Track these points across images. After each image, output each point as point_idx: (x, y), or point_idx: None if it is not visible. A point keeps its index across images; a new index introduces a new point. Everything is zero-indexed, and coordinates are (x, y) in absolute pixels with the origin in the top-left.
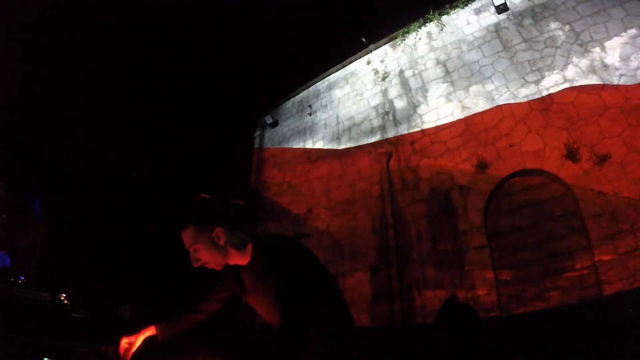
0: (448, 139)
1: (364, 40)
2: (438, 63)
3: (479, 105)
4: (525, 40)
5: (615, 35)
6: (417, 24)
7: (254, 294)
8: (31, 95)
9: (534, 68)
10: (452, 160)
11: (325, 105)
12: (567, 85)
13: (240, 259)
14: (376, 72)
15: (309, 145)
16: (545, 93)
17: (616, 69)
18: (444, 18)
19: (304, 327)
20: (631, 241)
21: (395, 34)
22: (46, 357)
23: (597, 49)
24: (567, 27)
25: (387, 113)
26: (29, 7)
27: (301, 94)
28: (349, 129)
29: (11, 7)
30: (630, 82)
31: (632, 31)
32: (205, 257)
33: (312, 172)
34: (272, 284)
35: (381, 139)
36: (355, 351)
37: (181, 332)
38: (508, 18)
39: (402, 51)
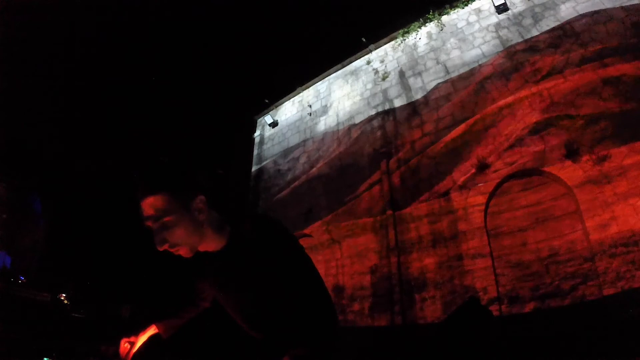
0: (448, 138)
1: (364, 40)
2: (438, 63)
3: (479, 105)
4: (525, 40)
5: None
6: (417, 24)
7: (224, 291)
8: (31, 95)
9: (534, 68)
10: (453, 160)
11: (325, 105)
12: (567, 85)
13: (213, 244)
14: (376, 72)
15: (309, 145)
16: (545, 93)
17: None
18: (444, 18)
19: (288, 341)
20: (631, 241)
21: (395, 34)
22: (46, 357)
23: (598, 49)
24: (567, 27)
25: (387, 113)
26: (29, 7)
27: (301, 94)
28: (349, 129)
29: (11, 7)
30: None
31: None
32: (179, 235)
33: (312, 172)
34: (256, 280)
35: (381, 138)
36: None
37: (185, 325)
38: (508, 18)
39: (402, 51)
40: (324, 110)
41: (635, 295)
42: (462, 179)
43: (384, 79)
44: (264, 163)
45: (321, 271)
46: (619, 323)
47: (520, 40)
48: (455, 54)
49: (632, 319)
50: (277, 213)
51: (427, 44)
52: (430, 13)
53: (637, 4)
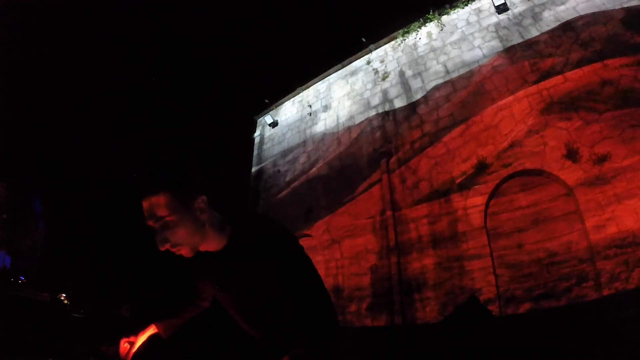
0: (448, 139)
1: (364, 40)
2: (438, 63)
3: (479, 105)
4: (525, 40)
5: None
6: (417, 24)
7: (225, 291)
8: (31, 95)
9: (534, 68)
10: (452, 160)
11: (325, 105)
12: (567, 85)
13: (214, 244)
14: (376, 72)
15: (309, 145)
16: (545, 93)
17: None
18: (444, 18)
19: (288, 341)
20: (626, 242)
21: (395, 34)
22: (46, 357)
23: (598, 49)
24: (567, 27)
25: (387, 113)
26: (29, 7)
27: (301, 94)
28: (349, 129)
29: (11, 7)
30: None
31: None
32: (181, 234)
33: (311, 172)
34: (256, 280)
35: (381, 138)
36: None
37: (185, 325)
38: (508, 18)
39: (402, 51)
40: (324, 110)
41: (630, 297)
42: (461, 179)
43: (384, 79)
44: (264, 163)
45: (321, 271)
46: (614, 324)
47: (520, 40)
48: (455, 54)
49: (627, 320)
50: (277, 213)
51: (427, 44)
52: (430, 13)
53: (637, 4)
